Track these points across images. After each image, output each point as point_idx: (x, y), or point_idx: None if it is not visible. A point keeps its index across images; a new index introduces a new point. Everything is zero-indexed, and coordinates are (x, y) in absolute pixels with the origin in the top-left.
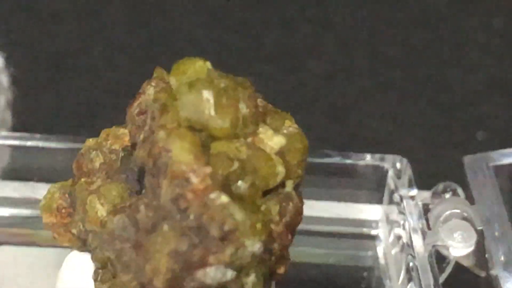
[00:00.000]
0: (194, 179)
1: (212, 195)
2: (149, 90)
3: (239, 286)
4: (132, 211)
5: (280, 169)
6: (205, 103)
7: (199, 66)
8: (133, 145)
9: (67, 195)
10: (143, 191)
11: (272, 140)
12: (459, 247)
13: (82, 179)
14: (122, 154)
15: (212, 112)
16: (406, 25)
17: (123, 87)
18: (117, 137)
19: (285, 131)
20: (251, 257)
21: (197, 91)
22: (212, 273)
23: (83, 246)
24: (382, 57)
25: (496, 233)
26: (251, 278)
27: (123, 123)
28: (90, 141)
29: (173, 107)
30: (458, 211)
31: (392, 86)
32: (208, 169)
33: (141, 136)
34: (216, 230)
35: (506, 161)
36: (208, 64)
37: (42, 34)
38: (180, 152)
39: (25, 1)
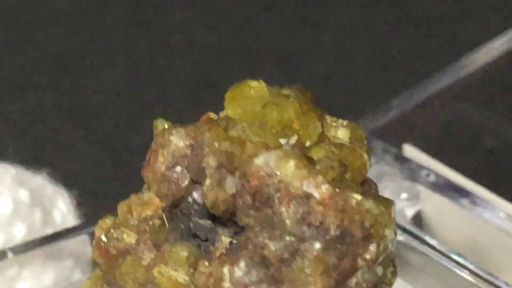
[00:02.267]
0: (316, 192)
1: (344, 197)
2: (174, 140)
3: (384, 280)
4: (253, 251)
5: (366, 157)
6: (291, 116)
7: (257, 87)
8: (174, 203)
9: (105, 286)
10: (226, 235)
11: (338, 134)
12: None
13: (128, 258)
14: (166, 215)
15: (303, 122)
16: (406, 25)
17: (123, 87)
18: (144, 204)
19: (340, 124)
20: (391, 247)
21: (279, 108)
22: (365, 275)
23: None
24: (382, 57)
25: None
26: (390, 268)
27: (123, 125)
28: (107, 222)
29: (252, 136)
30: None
31: (392, 86)
32: (323, 177)
33: (208, 181)
34: (358, 230)
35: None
36: (262, 82)
37: (42, 34)
38: (291, 171)
39: (25, 1)
